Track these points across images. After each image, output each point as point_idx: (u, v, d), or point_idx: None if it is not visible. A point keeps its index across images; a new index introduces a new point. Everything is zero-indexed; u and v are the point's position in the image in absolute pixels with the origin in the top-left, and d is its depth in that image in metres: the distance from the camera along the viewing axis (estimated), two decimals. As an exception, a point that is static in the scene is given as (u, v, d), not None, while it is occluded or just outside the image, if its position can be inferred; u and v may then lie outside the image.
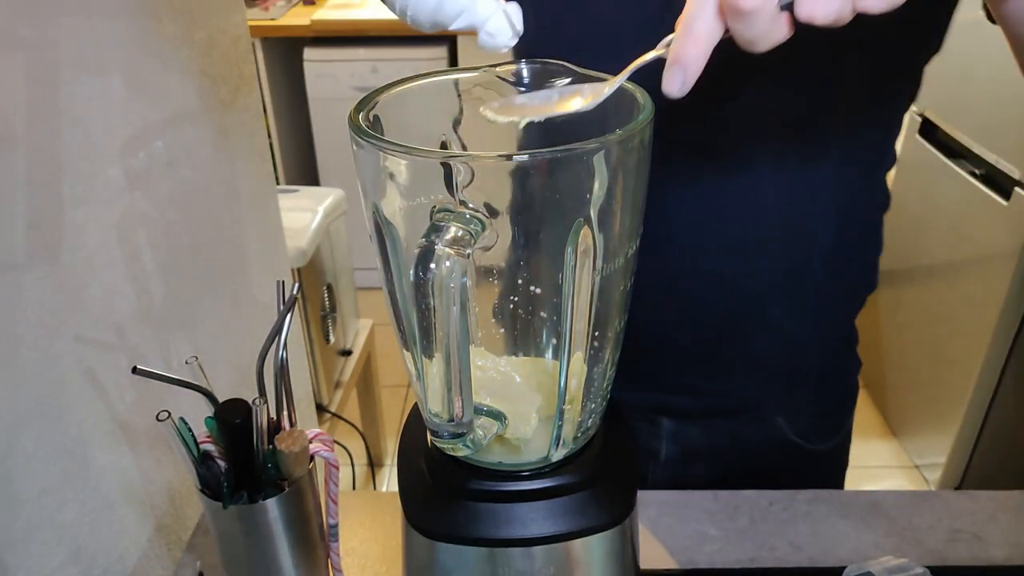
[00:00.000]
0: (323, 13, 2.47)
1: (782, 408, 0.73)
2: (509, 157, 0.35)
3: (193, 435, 0.50)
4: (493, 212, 0.37)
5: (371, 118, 0.41)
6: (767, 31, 0.34)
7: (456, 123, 0.46)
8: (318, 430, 0.54)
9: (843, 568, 0.59)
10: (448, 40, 2.47)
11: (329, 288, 1.65)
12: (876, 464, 2.05)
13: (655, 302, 0.68)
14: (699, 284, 0.66)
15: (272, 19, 2.42)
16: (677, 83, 0.36)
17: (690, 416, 0.73)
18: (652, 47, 0.38)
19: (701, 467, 0.76)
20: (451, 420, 0.40)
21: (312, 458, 0.54)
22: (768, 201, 0.63)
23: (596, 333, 0.44)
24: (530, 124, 0.40)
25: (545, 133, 0.42)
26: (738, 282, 0.66)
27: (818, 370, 0.73)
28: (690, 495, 0.70)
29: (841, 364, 0.76)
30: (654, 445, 0.75)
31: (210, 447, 0.52)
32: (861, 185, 0.66)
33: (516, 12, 0.45)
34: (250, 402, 0.50)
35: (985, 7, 0.47)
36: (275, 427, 0.53)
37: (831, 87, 0.58)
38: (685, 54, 0.35)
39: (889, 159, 0.67)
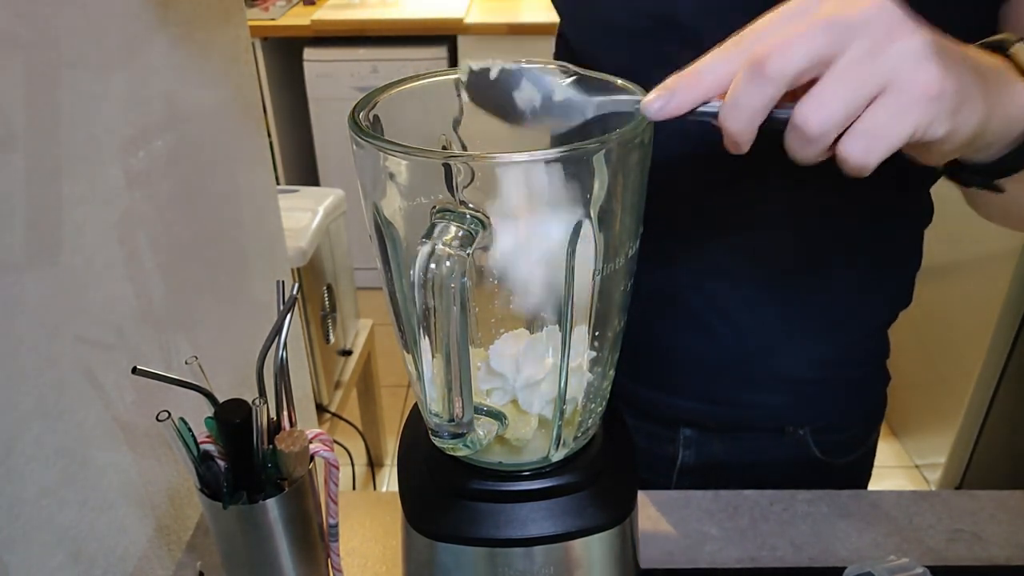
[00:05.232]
0: (323, 13, 2.47)
1: (807, 421, 0.72)
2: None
3: (193, 435, 0.50)
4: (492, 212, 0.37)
5: (371, 118, 0.41)
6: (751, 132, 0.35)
7: (456, 123, 0.46)
8: (318, 430, 0.54)
9: (843, 568, 0.59)
10: (448, 40, 2.47)
11: (329, 288, 1.65)
12: (876, 464, 2.05)
13: (678, 316, 0.67)
14: (720, 296, 0.65)
15: (272, 19, 2.42)
16: (656, 105, 0.36)
17: (711, 427, 0.72)
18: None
19: (719, 478, 0.75)
20: (451, 420, 0.40)
21: (312, 458, 0.54)
22: (790, 210, 0.62)
23: (596, 333, 0.43)
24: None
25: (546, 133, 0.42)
26: (760, 294, 0.65)
27: (847, 384, 0.72)
28: (690, 495, 0.70)
29: (871, 378, 0.74)
30: (671, 450, 0.74)
31: (210, 447, 0.52)
32: (904, 202, 0.65)
33: None
34: (250, 402, 0.50)
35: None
36: (275, 427, 0.53)
37: None
38: (680, 89, 0.35)
39: (937, 172, 0.66)
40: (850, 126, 0.34)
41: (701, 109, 0.36)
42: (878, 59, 0.33)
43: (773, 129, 0.35)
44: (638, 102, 0.37)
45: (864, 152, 0.34)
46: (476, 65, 0.39)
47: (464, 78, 0.40)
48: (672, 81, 0.36)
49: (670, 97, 0.36)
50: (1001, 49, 0.41)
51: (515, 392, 0.43)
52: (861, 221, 0.63)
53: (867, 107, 0.33)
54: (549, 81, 0.39)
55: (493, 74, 0.39)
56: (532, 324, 0.44)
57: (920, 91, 0.33)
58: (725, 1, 0.53)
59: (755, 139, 0.36)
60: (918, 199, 0.66)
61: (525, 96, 0.39)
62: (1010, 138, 0.39)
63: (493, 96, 0.40)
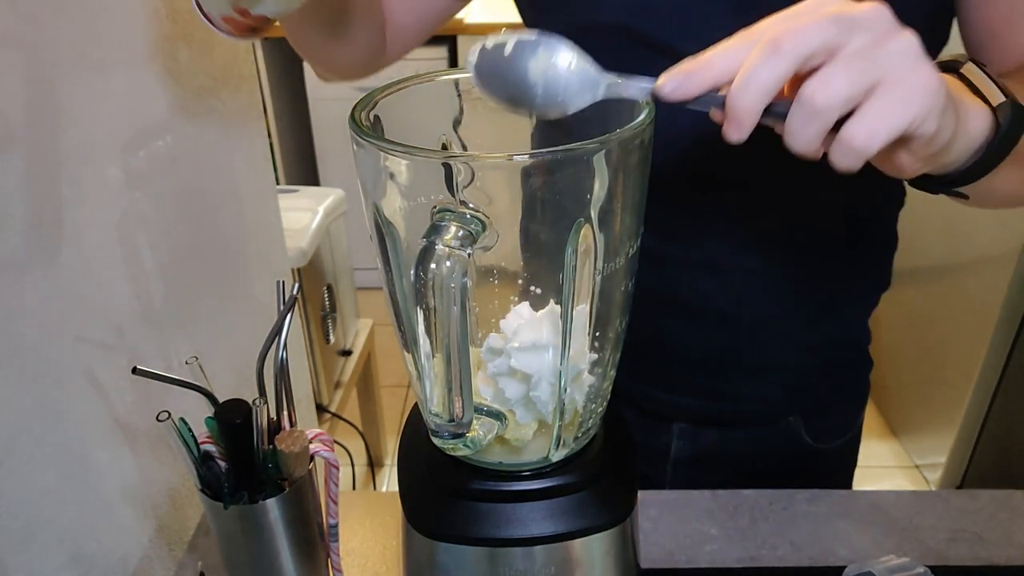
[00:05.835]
0: (323, 13, 2.47)
1: (793, 408, 0.73)
2: (509, 157, 0.35)
3: (193, 435, 0.50)
4: (493, 212, 0.37)
5: (371, 118, 0.41)
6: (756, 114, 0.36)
7: (456, 123, 0.46)
8: (318, 430, 0.54)
9: (843, 568, 0.59)
10: (448, 40, 2.47)
11: (329, 288, 1.65)
12: (876, 464, 2.05)
13: (666, 310, 0.68)
14: (710, 290, 0.66)
15: (272, 19, 2.41)
16: (670, 86, 0.37)
17: (705, 421, 0.74)
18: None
19: (713, 468, 0.76)
20: (451, 420, 0.40)
21: (312, 458, 0.54)
22: (777, 203, 0.63)
23: (597, 333, 0.44)
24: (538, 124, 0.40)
25: (548, 133, 0.41)
26: (749, 287, 0.66)
27: (831, 370, 0.73)
28: (690, 494, 0.70)
29: (854, 364, 0.76)
30: (663, 441, 0.75)
31: (210, 447, 0.52)
32: (877, 184, 0.66)
33: None
34: (250, 402, 0.50)
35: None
36: (275, 427, 0.53)
37: None
38: (693, 73, 0.37)
39: None
40: (852, 113, 0.35)
41: (705, 98, 0.37)
42: (879, 52, 0.35)
43: (771, 120, 0.37)
44: (649, 87, 0.38)
45: (868, 136, 0.35)
46: (491, 42, 0.39)
47: (474, 59, 0.39)
48: (685, 65, 0.37)
49: (684, 79, 0.37)
50: (953, 69, 0.44)
51: (510, 354, 0.42)
52: (844, 212, 0.65)
53: (869, 97, 0.35)
54: (565, 47, 0.38)
55: (508, 49, 0.38)
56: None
57: (922, 83, 0.35)
58: (688, 13, 0.55)
59: (751, 136, 0.37)
60: (891, 183, 0.68)
61: (539, 65, 0.38)
62: (968, 154, 0.42)
63: (503, 74, 0.38)
